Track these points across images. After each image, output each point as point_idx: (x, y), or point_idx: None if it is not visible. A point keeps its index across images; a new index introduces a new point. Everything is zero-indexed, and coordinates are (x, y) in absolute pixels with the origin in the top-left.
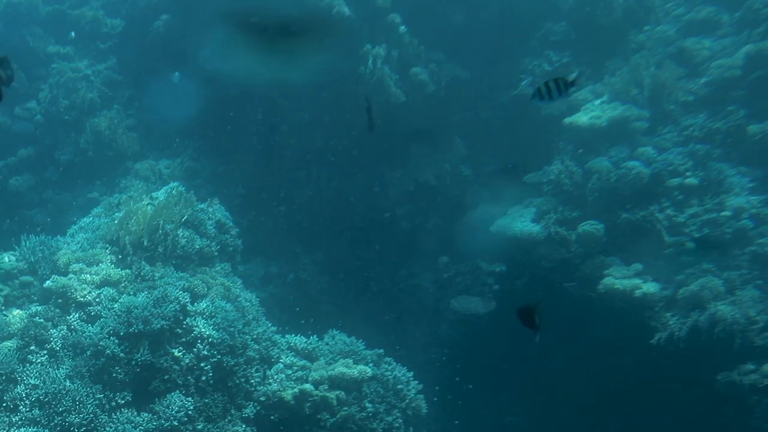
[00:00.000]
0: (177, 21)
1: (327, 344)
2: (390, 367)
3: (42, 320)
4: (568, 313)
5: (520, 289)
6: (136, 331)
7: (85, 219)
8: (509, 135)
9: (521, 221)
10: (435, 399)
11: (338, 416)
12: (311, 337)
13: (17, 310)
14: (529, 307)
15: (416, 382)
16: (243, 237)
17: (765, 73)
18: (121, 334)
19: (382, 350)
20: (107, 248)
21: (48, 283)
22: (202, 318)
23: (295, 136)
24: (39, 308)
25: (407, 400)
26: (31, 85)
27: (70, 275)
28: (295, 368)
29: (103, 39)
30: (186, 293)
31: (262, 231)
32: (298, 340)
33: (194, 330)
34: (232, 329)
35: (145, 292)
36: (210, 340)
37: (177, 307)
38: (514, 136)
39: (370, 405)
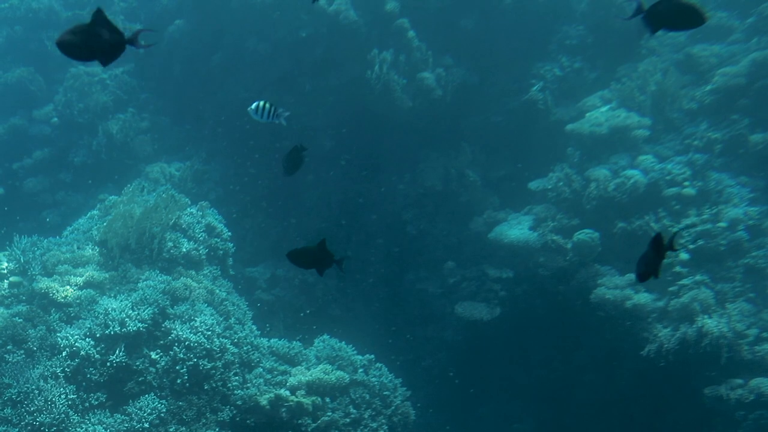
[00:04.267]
0: (191, 26)
1: (315, 349)
2: (378, 373)
3: (21, 320)
4: (570, 322)
5: (521, 295)
6: (112, 332)
7: (80, 220)
8: (519, 140)
9: (518, 228)
10: (438, 405)
11: (320, 422)
12: (294, 342)
13: (2, 310)
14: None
15: (404, 388)
16: (251, 240)
17: None
18: (98, 335)
19: (372, 356)
20: (96, 250)
21: (34, 283)
22: (181, 321)
23: (304, 140)
24: (21, 308)
25: (393, 407)
26: (49, 89)
27: (55, 276)
28: (276, 373)
29: None
30: (166, 296)
31: (271, 234)
32: (281, 344)
33: (172, 333)
34: (209, 333)
35: (125, 295)
36: (187, 343)
37: (155, 309)
38: (525, 141)
39: (354, 410)
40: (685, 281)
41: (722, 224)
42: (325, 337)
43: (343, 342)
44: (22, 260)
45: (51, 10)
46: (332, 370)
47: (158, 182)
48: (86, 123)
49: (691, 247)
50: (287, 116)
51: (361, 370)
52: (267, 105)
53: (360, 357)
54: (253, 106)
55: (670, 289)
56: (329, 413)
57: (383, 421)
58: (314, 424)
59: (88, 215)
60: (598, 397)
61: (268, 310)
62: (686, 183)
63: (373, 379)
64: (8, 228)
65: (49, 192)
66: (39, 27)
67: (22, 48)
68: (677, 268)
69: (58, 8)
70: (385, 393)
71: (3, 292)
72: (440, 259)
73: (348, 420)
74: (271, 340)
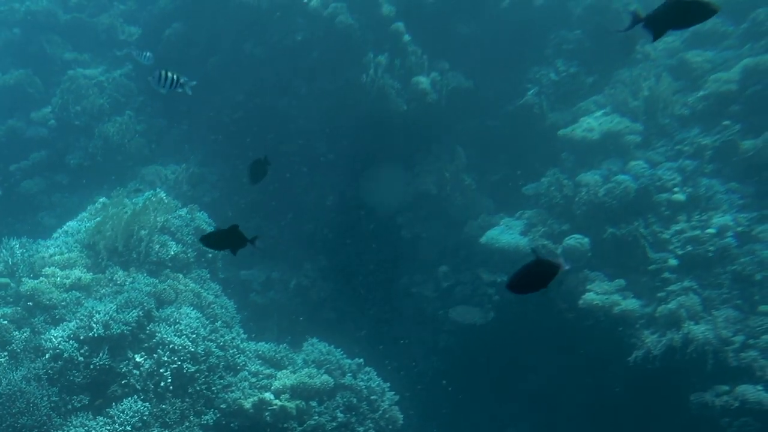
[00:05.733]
0: (187, 29)
1: (303, 352)
2: (366, 377)
3: (6, 322)
4: (561, 326)
5: (513, 300)
6: (95, 335)
7: (70, 222)
8: (515, 144)
9: (509, 233)
10: (431, 409)
11: (305, 425)
12: (280, 345)
13: None
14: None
15: (392, 393)
16: None
17: (761, 88)
18: (81, 337)
19: (362, 360)
20: (83, 252)
21: (21, 285)
22: (166, 324)
23: (300, 142)
24: (6, 309)
25: (381, 411)
26: (47, 91)
27: (41, 278)
28: (261, 376)
29: (120, 46)
30: (152, 299)
31: (266, 237)
32: (267, 348)
33: (156, 336)
34: (194, 336)
35: (110, 297)
36: (171, 346)
37: (141, 312)
38: (520, 145)
39: (341, 415)
40: (673, 287)
41: (711, 230)
42: (314, 340)
43: (333, 346)
44: (10, 262)
45: (50, 13)
46: (317, 374)
47: (153, 184)
48: (83, 125)
49: (680, 253)
50: (192, 86)
51: (349, 374)
52: (170, 74)
53: (349, 361)
54: (156, 74)
55: (659, 295)
56: (315, 417)
57: (370, 425)
58: (300, 428)
59: (78, 217)
60: (591, 402)
61: (263, 313)
62: (676, 189)
63: (361, 384)
64: (4, 229)
65: (45, 194)
66: (38, 30)
67: (21, 50)
68: (666, 274)
69: (58, 11)
70: (372, 397)
71: None
72: (434, 263)
73: (335, 424)
74: (259, 344)
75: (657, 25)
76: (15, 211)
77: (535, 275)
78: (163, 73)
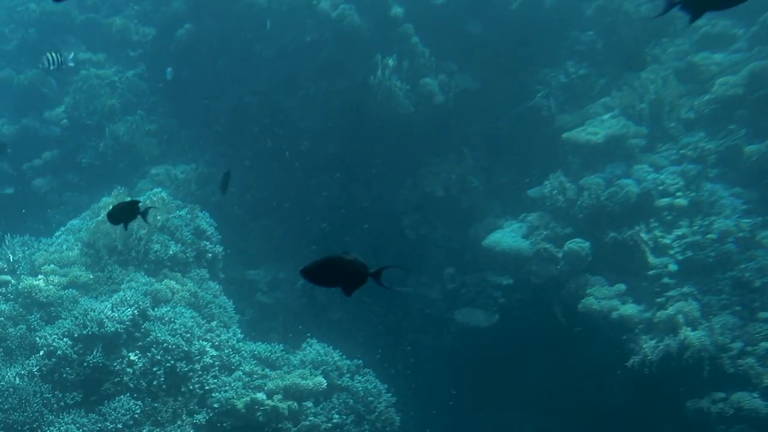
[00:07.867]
0: (199, 30)
1: (301, 353)
2: (363, 379)
3: (2, 318)
4: (563, 330)
5: (516, 303)
6: (89, 333)
7: (73, 221)
8: (523, 147)
9: (512, 236)
10: (435, 412)
11: (300, 426)
12: (276, 346)
13: None
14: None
15: (389, 394)
16: (254, 242)
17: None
18: (75, 335)
19: (361, 361)
20: (83, 251)
21: (20, 282)
22: (161, 323)
23: (308, 143)
24: (5, 307)
25: (377, 413)
26: (61, 90)
27: (40, 276)
28: (255, 377)
29: (134, 47)
30: (147, 298)
31: (274, 237)
32: (263, 348)
33: (151, 334)
34: (188, 335)
35: (106, 296)
36: (165, 345)
37: (135, 311)
38: (528, 148)
39: (337, 416)
40: (672, 292)
41: (712, 236)
42: (313, 341)
43: (331, 347)
44: (11, 259)
45: (65, 13)
46: (310, 375)
47: (162, 184)
48: (94, 125)
49: (681, 258)
50: (72, 57)
51: (346, 375)
52: (55, 55)
53: (348, 362)
54: (43, 58)
55: (658, 300)
56: (311, 417)
57: (366, 427)
58: (295, 429)
59: (81, 216)
60: (590, 407)
61: (269, 313)
62: (678, 193)
63: (358, 385)
64: (15, 227)
65: (56, 192)
66: (53, 30)
67: (36, 50)
68: (665, 279)
69: (73, 12)
70: (369, 399)
71: None
72: (441, 264)
73: (330, 425)
74: (255, 344)
75: (695, 5)
76: (27, 208)
77: (333, 269)
78: (50, 55)
